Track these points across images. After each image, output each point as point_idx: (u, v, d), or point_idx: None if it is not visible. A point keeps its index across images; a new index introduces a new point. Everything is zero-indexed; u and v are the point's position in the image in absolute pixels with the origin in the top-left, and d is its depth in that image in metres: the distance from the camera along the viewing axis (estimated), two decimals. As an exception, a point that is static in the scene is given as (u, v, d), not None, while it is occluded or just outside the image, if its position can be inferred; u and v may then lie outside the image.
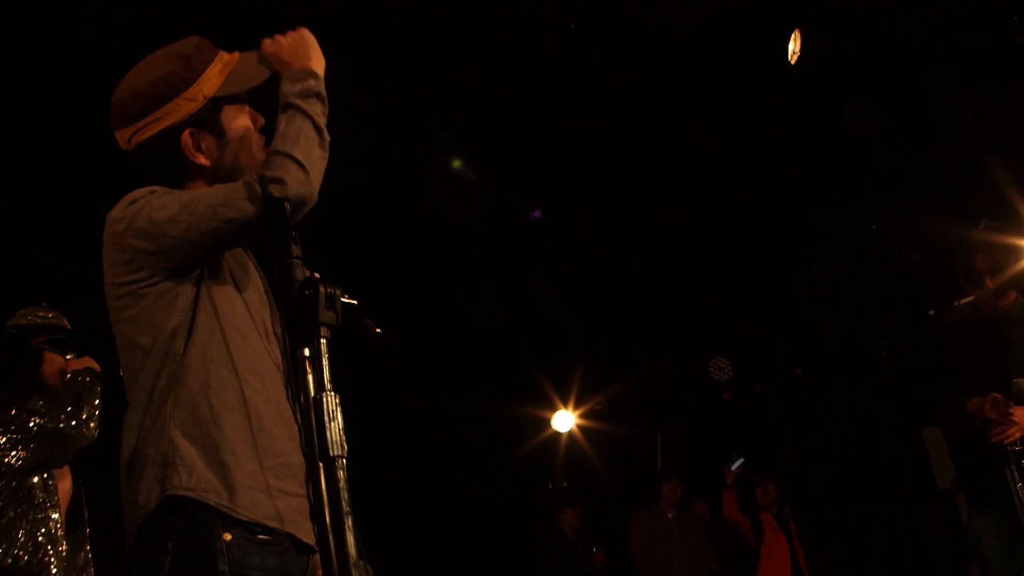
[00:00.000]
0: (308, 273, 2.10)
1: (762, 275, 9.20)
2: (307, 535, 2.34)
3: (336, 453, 1.97)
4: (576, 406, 10.67)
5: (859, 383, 9.64)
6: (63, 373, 4.27)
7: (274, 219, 2.22)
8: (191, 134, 2.50)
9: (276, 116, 2.45)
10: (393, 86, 6.26)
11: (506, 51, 6.24)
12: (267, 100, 2.54)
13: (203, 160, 2.52)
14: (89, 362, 4.31)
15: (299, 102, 2.45)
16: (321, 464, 1.97)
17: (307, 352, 2.04)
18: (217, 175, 2.52)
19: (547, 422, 10.74)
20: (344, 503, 1.95)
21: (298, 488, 2.38)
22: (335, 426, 1.99)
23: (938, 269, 8.43)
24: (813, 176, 7.93)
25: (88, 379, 4.23)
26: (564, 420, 10.68)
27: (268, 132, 2.51)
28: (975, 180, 7.41)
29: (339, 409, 2.00)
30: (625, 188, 7.93)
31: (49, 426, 4.06)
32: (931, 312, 9.14)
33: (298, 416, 2.25)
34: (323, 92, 2.51)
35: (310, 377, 2.02)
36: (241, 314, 2.46)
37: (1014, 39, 6.69)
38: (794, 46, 6.80)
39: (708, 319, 9.87)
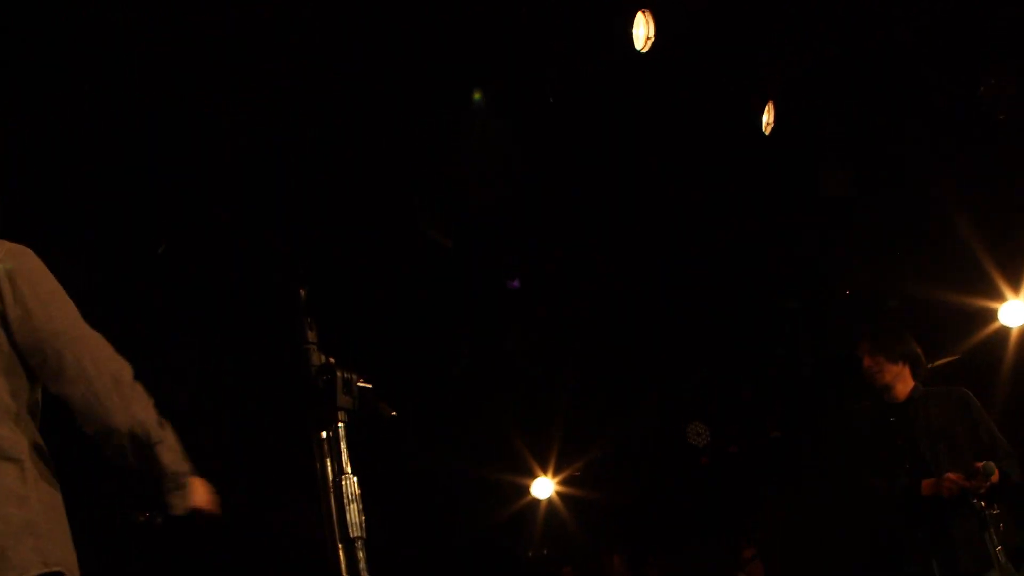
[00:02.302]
0: (324, 359, 2.15)
1: (737, 339, 9.28)
2: None
3: (356, 535, 2.02)
4: (555, 473, 10.67)
5: (837, 444, 9.65)
6: None
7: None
8: None
9: None
10: (376, 150, 6.35)
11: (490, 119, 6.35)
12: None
13: None
14: None
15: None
16: (341, 545, 2.01)
17: (324, 435, 2.09)
18: None
19: (526, 489, 10.73)
20: (365, 584, 1.99)
21: None
22: (355, 508, 2.03)
23: (914, 322, 8.59)
24: (786, 236, 8.05)
25: None
26: (543, 487, 10.67)
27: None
28: (948, 236, 7.57)
29: (358, 492, 2.05)
30: (601, 254, 8.03)
31: None
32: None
33: None
34: None
35: (328, 460, 2.07)
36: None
37: (981, 104, 6.90)
38: (768, 117, 6.96)
39: (685, 384, 9.93)
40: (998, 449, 5.23)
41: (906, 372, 5.50)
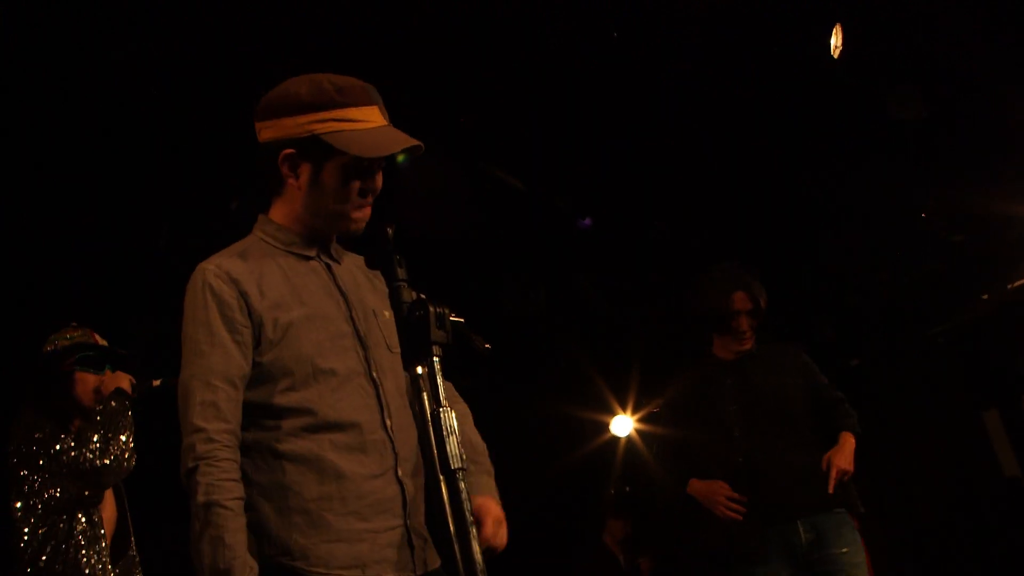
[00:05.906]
0: (415, 295, 2.18)
1: (815, 266, 9.17)
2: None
3: (457, 466, 2.05)
4: (635, 410, 10.67)
5: (914, 371, 9.56)
6: (98, 392, 4.00)
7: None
8: (287, 156, 2.54)
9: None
10: (446, 104, 6.35)
11: (557, 63, 6.31)
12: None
13: (295, 186, 2.58)
14: (122, 379, 4.02)
15: None
16: (442, 477, 2.05)
17: (420, 370, 2.12)
18: (308, 208, 2.59)
19: (605, 426, 10.75)
20: (467, 513, 2.03)
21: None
22: (454, 440, 2.06)
23: (982, 249, 8.42)
24: (855, 162, 7.92)
25: (116, 405, 3.91)
26: (623, 424, 10.68)
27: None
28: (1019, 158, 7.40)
29: (456, 424, 2.07)
30: (676, 187, 7.98)
31: (79, 462, 3.76)
32: (984, 296, 9.15)
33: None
34: None
35: (426, 395, 2.10)
36: None
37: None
38: (836, 40, 6.83)
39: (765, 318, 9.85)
40: (835, 401, 5.06)
41: None
